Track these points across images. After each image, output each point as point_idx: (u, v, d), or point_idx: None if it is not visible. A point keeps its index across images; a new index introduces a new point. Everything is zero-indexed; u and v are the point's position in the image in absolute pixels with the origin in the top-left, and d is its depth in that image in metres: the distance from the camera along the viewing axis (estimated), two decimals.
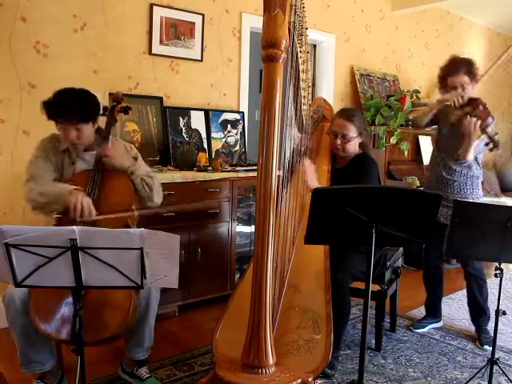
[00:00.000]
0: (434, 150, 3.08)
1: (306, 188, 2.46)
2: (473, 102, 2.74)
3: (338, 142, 2.57)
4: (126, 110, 2.41)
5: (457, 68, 2.81)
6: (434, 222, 1.83)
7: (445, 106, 2.93)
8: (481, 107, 2.72)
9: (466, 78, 2.79)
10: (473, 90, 2.83)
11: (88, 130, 2.18)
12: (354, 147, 2.61)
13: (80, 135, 2.15)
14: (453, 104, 2.75)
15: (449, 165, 2.89)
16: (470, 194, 2.90)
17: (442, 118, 2.95)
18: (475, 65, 2.85)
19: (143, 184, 2.26)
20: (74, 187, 2.07)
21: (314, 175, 2.44)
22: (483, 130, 2.65)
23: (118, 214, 2.10)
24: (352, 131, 2.56)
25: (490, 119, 2.67)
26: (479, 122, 2.63)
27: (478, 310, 2.92)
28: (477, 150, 2.80)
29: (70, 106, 2.09)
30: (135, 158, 2.35)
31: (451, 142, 2.85)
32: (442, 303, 3.17)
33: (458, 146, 2.82)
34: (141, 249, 1.44)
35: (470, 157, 2.78)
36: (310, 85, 2.54)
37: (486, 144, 2.66)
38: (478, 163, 2.91)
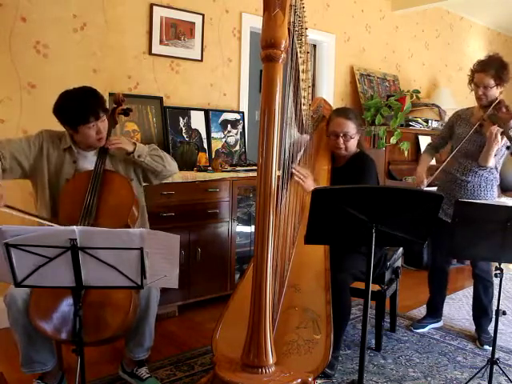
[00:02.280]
0: (451, 151, 3.00)
1: (304, 192, 2.47)
2: (496, 104, 2.71)
3: (341, 141, 2.57)
4: (126, 112, 2.41)
5: (487, 67, 2.73)
6: (436, 222, 1.82)
7: (465, 110, 2.95)
8: (503, 109, 2.70)
9: (491, 81, 2.71)
10: (497, 92, 2.76)
11: (107, 122, 2.23)
12: (354, 145, 2.62)
13: (103, 127, 2.19)
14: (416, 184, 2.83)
15: (464, 165, 2.87)
16: (483, 197, 2.87)
17: (460, 122, 2.93)
18: (506, 70, 2.74)
19: (154, 159, 2.30)
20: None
21: (310, 175, 2.43)
22: (505, 134, 2.62)
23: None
24: (352, 128, 2.57)
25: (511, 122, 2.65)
26: (500, 131, 2.60)
27: (481, 310, 2.92)
28: (498, 156, 2.79)
29: (88, 105, 2.12)
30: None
31: (470, 145, 2.82)
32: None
33: (476, 150, 2.80)
34: (141, 249, 1.44)
35: (491, 163, 2.76)
36: (310, 85, 2.53)
37: (508, 147, 2.62)
38: (496, 167, 2.87)
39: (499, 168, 2.92)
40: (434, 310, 3.13)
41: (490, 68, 2.72)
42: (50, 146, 2.24)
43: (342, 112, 2.65)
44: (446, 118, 3.68)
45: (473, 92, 2.85)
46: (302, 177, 2.40)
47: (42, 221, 2.02)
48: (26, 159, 2.17)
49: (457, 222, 2.06)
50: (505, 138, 2.66)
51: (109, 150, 2.23)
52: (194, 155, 3.40)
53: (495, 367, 2.22)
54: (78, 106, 2.11)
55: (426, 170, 3.07)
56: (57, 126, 2.28)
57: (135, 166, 2.35)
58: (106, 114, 2.23)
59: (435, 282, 3.10)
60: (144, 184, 2.47)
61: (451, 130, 3.00)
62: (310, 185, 2.39)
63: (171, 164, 2.41)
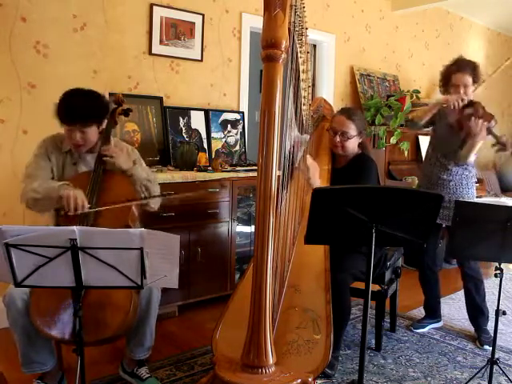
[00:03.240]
0: (428, 151, 3.05)
1: (308, 186, 2.45)
2: (473, 105, 2.75)
3: (338, 139, 2.57)
4: (126, 113, 2.41)
5: (463, 67, 2.80)
6: (434, 223, 1.83)
7: (443, 107, 2.94)
8: (481, 110, 2.72)
9: (470, 79, 2.78)
10: (472, 93, 2.82)
11: (92, 133, 2.18)
12: (353, 146, 2.61)
13: (84, 137, 2.16)
14: (453, 106, 2.75)
15: (445, 165, 2.89)
16: (465, 194, 2.90)
17: (438, 119, 2.95)
18: (479, 68, 2.84)
19: (142, 188, 2.27)
20: (65, 182, 2.08)
21: (317, 173, 2.43)
22: (489, 131, 2.66)
23: (115, 205, 2.06)
24: (352, 129, 2.56)
25: (492, 122, 2.68)
26: (486, 123, 2.63)
27: (476, 310, 2.93)
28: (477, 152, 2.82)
29: (75, 109, 2.10)
30: (134, 162, 2.34)
31: (448, 144, 2.85)
32: (441, 303, 3.17)
33: (455, 148, 2.82)
34: (141, 249, 1.44)
35: (472, 159, 2.78)
36: (310, 85, 2.53)
37: (493, 145, 2.65)
38: (472, 164, 2.92)
39: (475, 164, 2.96)
40: (431, 311, 3.14)
41: (467, 67, 2.80)
42: (54, 151, 2.25)
43: (345, 111, 2.64)
44: None
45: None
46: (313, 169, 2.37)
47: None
48: (50, 175, 2.21)
49: (457, 222, 2.06)
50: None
51: (103, 157, 2.18)
52: (194, 155, 3.39)
53: (495, 367, 2.22)
54: (66, 104, 2.11)
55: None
56: (56, 128, 2.29)
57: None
58: (91, 126, 2.15)
59: (426, 284, 3.11)
60: None
61: (432, 120, 2.99)
62: (316, 182, 2.38)
63: (151, 204, 2.32)
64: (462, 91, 2.78)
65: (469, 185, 2.92)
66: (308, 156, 2.43)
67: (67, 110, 2.11)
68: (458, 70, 2.80)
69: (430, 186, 2.95)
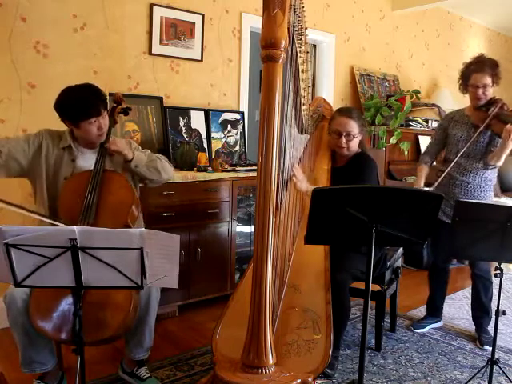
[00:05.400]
0: (448, 149, 2.97)
1: (301, 193, 2.47)
2: (495, 102, 2.75)
3: (343, 140, 2.56)
4: (126, 111, 2.41)
5: (484, 67, 2.77)
6: (436, 222, 1.82)
7: (456, 112, 2.96)
8: (505, 107, 2.73)
9: (489, 80, 2.75)
10: (492, 90, 2.80)
11: (107, 117, 2.23)
12: (356, 145, 2.61)
13: (104, 124, 2.20)
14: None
15: (463, 166, 2.86)
16: (483, 197, 2.87)
17: (453, 125, 2.92)
18: (499, 68, 2.80)
19: (150, 169, 2.31)
20: None
21: (304, 178, 2.45)
22: None
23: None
24: (355, 128, 2.56)
25: None
26: None
27: (481, 310, 2.92)
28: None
29: (90, 101, 2.13)
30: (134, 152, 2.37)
31: (472, 146, 2.81)
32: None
33: (479, 150, 2.81)
34: (141, 249, 1.44)
35: (502, 162, 2.75)
36: (310, 85, 2.53)
37: None
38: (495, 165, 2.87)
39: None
40: (434, 310, 3.13)
41: (486, 67, 2.76)
42: (50, 144, 2.23)
43: (345, 111, 2.64)
44: None
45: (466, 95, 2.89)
46: (298, 177, 2.42)
47: (39, 217, 2.01)
48: (24, 157, 2.17)
49: (457, 221, 2.06)
50: None
51: (108, 150, 2.23)
52: (194, 155, 3.40)
53: (495, 367, 2.22)
54: (80, 102, 2.12)
55: (429, 170, 3.07)
56: (56, 126, 2.28)
57: (133, 172, 2.35)
58: (107, 110, 2.24)
59: (436, 280, 3.09)
60: (140, 184, 2.47)
61: (445, 133, 2.98)
62: (303, 186, 2.41)
63: (167, 172, 2.40)
64: (480, 92, 2.76)
65: (487, 187, 2.88)
66: (295, 167, 2.45)
67: (84, 106, 2.12)
68: (477, 70, 2.76)
69: (449, 187, 2.91)
